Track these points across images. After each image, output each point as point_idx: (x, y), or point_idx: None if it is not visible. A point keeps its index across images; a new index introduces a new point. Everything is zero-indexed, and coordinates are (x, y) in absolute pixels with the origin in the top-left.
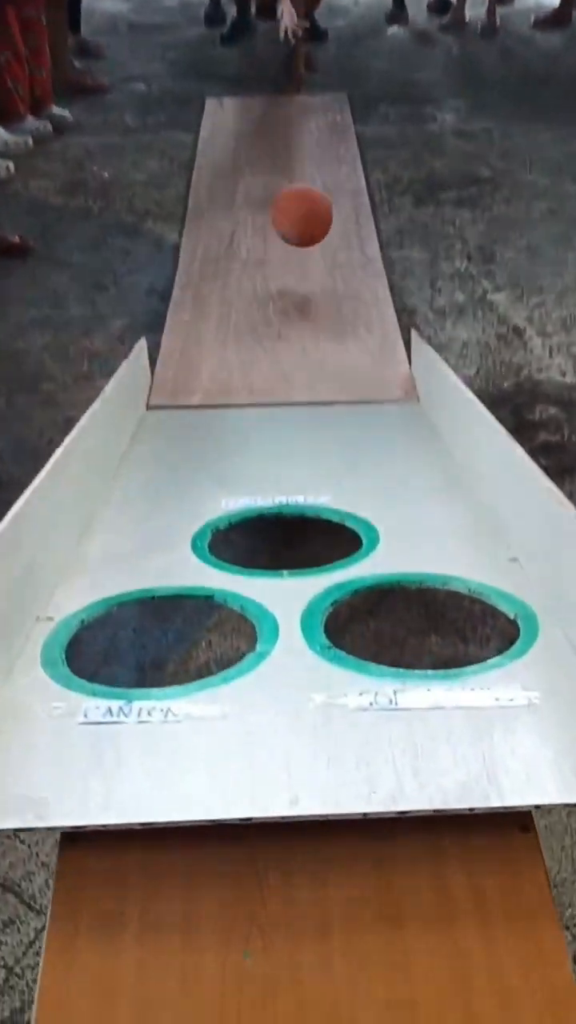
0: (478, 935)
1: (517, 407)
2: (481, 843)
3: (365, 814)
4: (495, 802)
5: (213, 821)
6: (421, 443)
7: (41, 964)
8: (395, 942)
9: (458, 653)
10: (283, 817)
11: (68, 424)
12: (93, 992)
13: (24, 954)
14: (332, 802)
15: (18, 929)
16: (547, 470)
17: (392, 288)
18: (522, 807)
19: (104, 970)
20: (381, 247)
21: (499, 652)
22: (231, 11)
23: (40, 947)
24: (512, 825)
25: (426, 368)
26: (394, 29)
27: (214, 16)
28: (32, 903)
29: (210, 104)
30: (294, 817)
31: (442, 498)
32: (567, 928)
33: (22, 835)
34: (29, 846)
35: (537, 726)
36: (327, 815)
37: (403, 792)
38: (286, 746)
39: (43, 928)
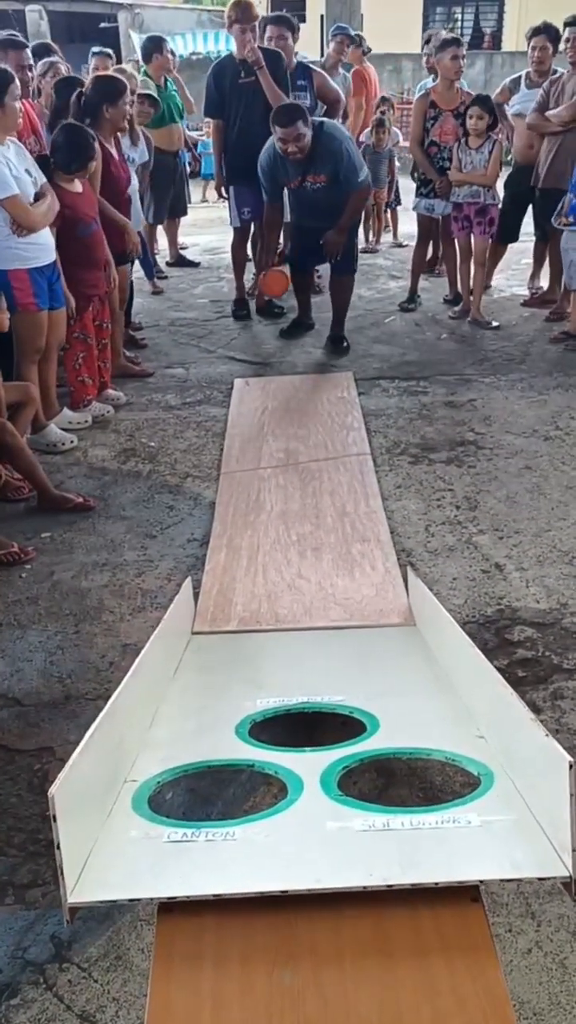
0: (443, 966)
1: (499, 629)
2: (444, 908)
3: (365, 887)
4: (454, 878)
5: (262, 893)
6: (415, 657)
7: (149, 986)
8: (385, 967)
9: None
10: (310, 889)
11: (125, 649)
12: (186, 1001)
13: None
14: (343, 880)
15: None
16: (524, 680)
17: (392, 532)
18: (472, 882)
19: (192, 987)
20: (383, 499)
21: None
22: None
23: None
24: (465, 896)
25: (420, 599)
26: (392, 319)
27: (238, 312)
28: None
29: (238, 384)
30: (318, 889)
31: (430, 696)
32: None
33: (95, 975)
34: (102, 984)
35: (485, 836)
36: (340, 888)
37: (391, 874)
38: (311, 852)
39: None
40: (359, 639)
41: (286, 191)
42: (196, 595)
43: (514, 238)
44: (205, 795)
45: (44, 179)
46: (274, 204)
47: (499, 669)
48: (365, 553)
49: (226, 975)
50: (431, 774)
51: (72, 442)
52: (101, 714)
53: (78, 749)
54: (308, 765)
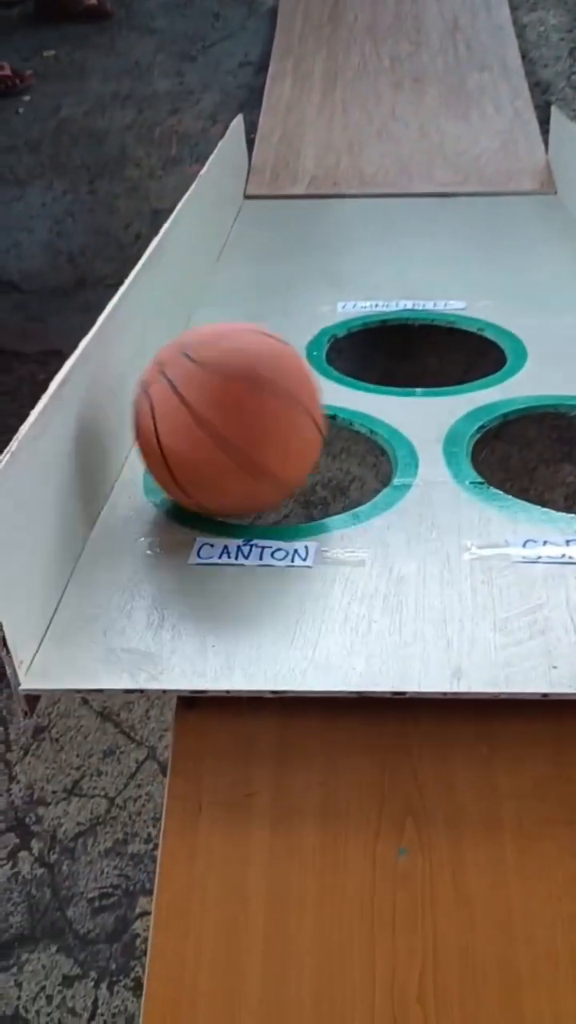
0: None
1: None
2: None
3: (545, 695)
4: None
5: (360, 694)
6: (563, 242)
7: (160, 850)
8: None
9: None
10: (445, 694)
11: (156, 217)
12: (219, 885)
13: (125, 785)
14: (504, 679)
15: (119, 759)
16: None
17: (524, 57)
18: None
19: (231, 861)
20: (511, 8)
21: None
22: None
23: (141, 780)
24: None
25: (567, 153)
26: None
27: None
28: (132, 733)
29: None
30: (459, 694)
31: None
32: None
33: None
34: None
35: None
36: (499, 694)
37: None
38: (442, 605)
39: (144, 759)
40: (480, 213)
41: None
42: (251, 143)
43: None
44: None
45: None
46: None
47: None
48: (485, 86)
49: (290, 843)
50: None
51: None
52: (92, 330)
53: (40, 406)
54: (422, 421)
